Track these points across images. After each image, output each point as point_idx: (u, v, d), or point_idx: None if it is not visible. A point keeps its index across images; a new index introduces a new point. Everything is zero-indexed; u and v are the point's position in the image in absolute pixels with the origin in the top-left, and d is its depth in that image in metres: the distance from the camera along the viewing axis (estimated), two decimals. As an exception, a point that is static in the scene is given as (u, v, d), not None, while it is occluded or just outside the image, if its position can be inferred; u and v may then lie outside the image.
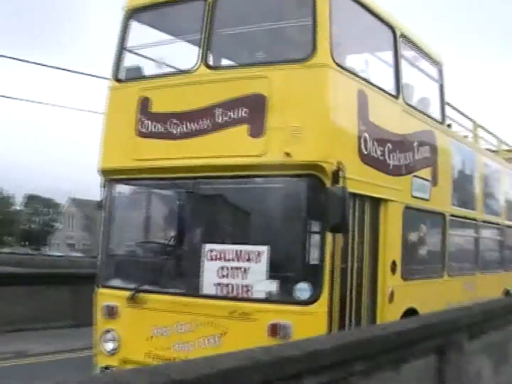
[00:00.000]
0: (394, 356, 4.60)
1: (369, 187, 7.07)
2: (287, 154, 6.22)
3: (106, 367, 6.93)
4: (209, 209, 7.17)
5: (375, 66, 8.18)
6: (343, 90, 6.76)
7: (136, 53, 7.72)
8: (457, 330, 5.80)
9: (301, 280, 6.24)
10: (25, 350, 10.61)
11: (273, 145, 6.37)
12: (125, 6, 7.57)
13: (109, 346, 7.07)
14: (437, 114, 9.48)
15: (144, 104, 7.20)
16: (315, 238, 6.37)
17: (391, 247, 7.51)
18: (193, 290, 6.69)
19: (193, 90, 6.96)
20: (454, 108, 10.57)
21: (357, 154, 6.85)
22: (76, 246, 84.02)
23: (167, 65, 7.56)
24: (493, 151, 13.22)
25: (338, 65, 6.55)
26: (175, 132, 6.94)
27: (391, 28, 7.84)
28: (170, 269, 7.19)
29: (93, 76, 31.16)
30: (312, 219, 6.44)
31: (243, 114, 6.57)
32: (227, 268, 6.52)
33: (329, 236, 6.20)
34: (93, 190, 8.44)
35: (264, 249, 6.37)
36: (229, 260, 6.52)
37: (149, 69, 7.58)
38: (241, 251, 6.48)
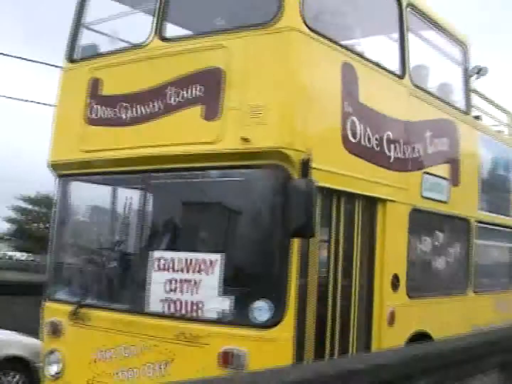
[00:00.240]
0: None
1: (360, 184, 5.79)
2: (245, 140, 5.01)
3: None
4: (159, 209, 6.00)
5: (377, 42, 6.94)
6: (320, 61, 5.44)
7: (93, 30, 6.67)
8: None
9: (259, 297, 4.95)
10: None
11: (229, 129, 5.16)
12: None
13: (53, 369, 6.05)
14: (460, 103, 8.09)
15: (95, 86, 6.14)
16: (279, 244, 5.06)
17: (392, 258, 6.19)
18: (139, 306, 5.54)
19: (145, 67, 5.83)
20: (486, 98, 9.11)
21: (340, 142, 5.56)
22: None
23: (120, 40, 6.44)
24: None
25: (312, 30, 5.28)
26: (124, 117, 5.84)
27: None
28: (116, 280, 6.05)
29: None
30: (275, 221, 5.10)
31: (198, 93, 5.40)
32: (176, 281, 5.33)
33: (296, 242, 4.94)
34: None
35: (217, 257, 5.15)
36: (177, 271, 5.34)
37: (104, 46, 6.50)
38: (191, 259, 5.28)
